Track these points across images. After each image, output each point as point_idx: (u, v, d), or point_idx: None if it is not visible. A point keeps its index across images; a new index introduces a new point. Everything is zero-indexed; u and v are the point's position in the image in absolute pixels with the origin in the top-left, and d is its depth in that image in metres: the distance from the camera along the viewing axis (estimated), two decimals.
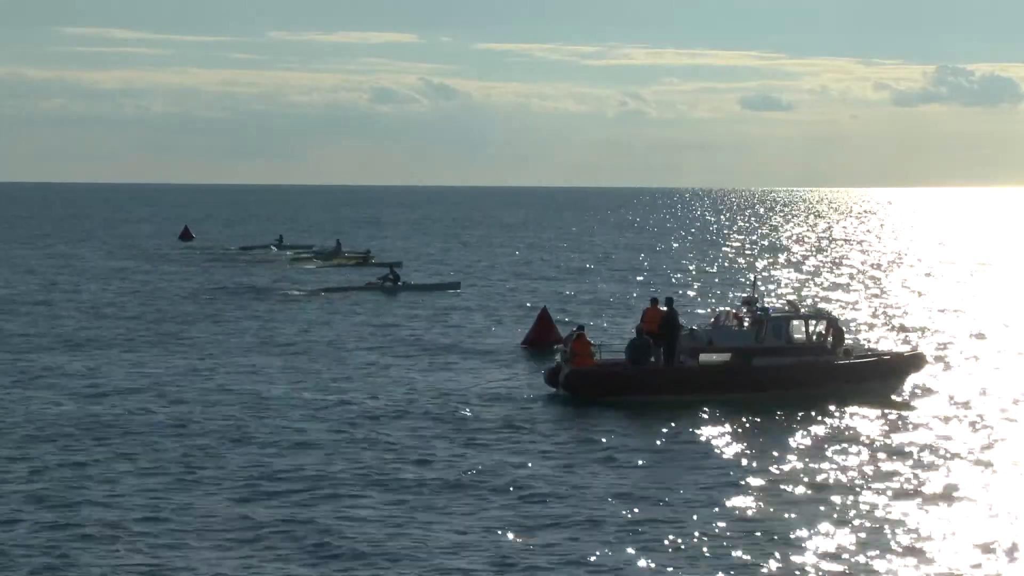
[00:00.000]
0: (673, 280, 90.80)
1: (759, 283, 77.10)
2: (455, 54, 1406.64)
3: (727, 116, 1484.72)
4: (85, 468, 31.96)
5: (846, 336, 45.32)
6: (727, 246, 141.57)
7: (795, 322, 43.63)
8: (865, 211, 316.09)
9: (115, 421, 37.79)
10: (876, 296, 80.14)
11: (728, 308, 46.97)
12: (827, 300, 75.34)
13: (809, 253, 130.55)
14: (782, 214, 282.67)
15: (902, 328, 62.38)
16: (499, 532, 26.74)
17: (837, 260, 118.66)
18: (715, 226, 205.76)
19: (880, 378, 43.42)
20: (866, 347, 49.69)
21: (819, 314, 45.49)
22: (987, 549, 25.88)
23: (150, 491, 29.77)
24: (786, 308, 46.63)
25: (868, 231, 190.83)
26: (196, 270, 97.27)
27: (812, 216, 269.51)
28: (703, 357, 42.77)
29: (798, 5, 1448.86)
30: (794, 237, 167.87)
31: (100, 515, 27.68)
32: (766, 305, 45.94)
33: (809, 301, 72.70)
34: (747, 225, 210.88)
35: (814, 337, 43.36)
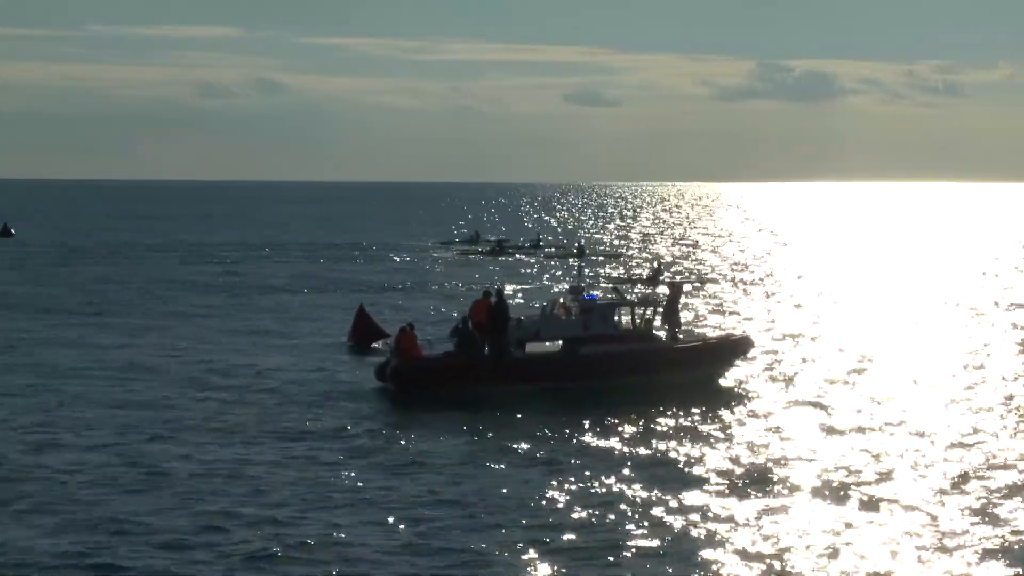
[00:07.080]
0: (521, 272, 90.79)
1: (585, 272, 77.45)
2: (281, 48, 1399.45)
3: (552, 112, 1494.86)
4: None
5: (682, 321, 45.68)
6: (552, 238, 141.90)
7: (622, 309, 43.59)
8: (691, 205, 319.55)
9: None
10: (704, 283, 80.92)
11: (557, 298, 46.69)
12: (656, 289, 75.73)
13: (640, 243, 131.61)
14: (612, 208, 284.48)
15: (730, 314, 63.06)
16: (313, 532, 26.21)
17: (666, 249, 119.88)
18: (535, 219, 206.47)
19: (708, 362, 43.60)
20: (694, 332, 49.96)
21: (646, 300, 45.49)
22: (804, 535, 25.85)
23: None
24: (612, 296, 46.61)
25: (695, 224, 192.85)
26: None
27: (639, 209, 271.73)
28: (530, 347, 42.51)
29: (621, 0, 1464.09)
30: (622, 229, 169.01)
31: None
32: (593, 293, 45.82)
33: (636, 289, 73.00)
34: (572, 218, 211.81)
35: (641, 324, 43.38)
